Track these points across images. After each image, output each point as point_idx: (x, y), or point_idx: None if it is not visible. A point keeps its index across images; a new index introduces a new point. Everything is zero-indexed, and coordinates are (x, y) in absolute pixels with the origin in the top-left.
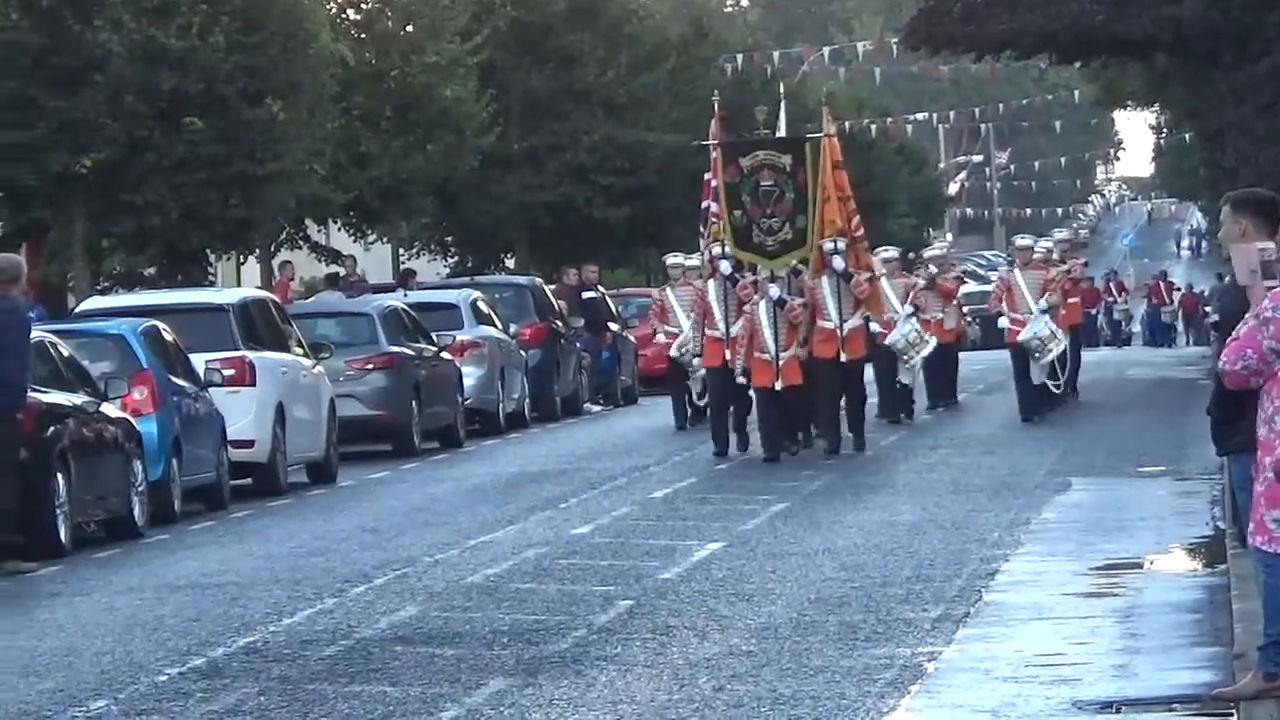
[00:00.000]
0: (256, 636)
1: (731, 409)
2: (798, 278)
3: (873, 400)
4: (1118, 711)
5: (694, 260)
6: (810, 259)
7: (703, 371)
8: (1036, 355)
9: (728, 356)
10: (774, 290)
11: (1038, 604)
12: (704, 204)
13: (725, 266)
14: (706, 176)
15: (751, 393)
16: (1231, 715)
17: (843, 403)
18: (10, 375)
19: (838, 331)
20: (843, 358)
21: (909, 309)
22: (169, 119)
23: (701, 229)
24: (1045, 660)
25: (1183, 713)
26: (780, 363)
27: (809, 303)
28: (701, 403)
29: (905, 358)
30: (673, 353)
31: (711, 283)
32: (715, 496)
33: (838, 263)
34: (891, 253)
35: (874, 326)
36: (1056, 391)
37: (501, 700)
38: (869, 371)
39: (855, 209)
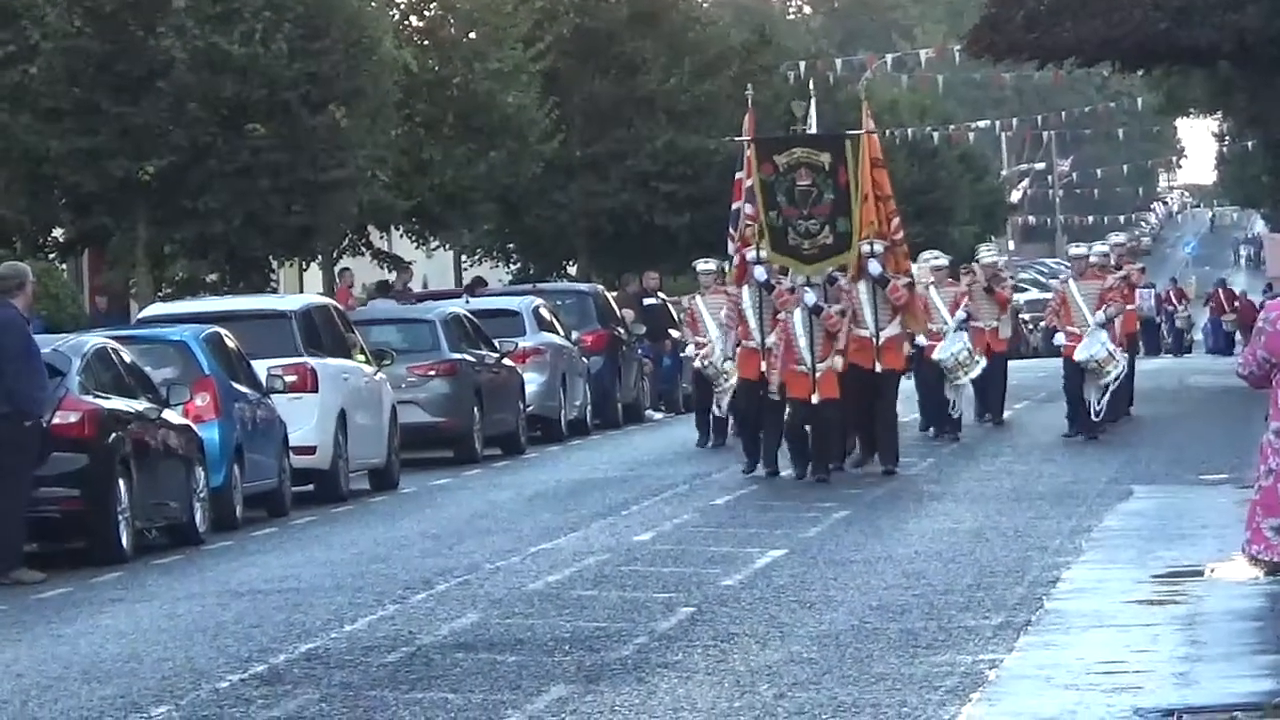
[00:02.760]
0: (318, 643)
1: (762, 429)
2: (834, 285)
3: (915, 415)
4: (1179, 719)
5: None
6: (849, 263)
7: (733, 382)
8: (1094, 377)
9: (764, 368)
10: (810, 297)
11: (1099, 611)
12: (734, 206)
13: (760, 272)
14: (738, 176)
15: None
16: None
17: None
18: (11, 382)
19: (873, 340)
20: (877, 368)
21: (960, 316)
22: (231, 125)
23: (731, 231)
24: (1106, 668)
25: None
26: (816, 375)
27: (847, 310)
28: (722, 413)
29: (953, 377)
30: (697, 364)
31: (746, 290)
32: (777, 503)
33: (873, 266)
34: (941, 260)
35: (920, 340)
36: (1096, 419)
37: (563, 707)
38: (910, 383)
39: (895, 210)
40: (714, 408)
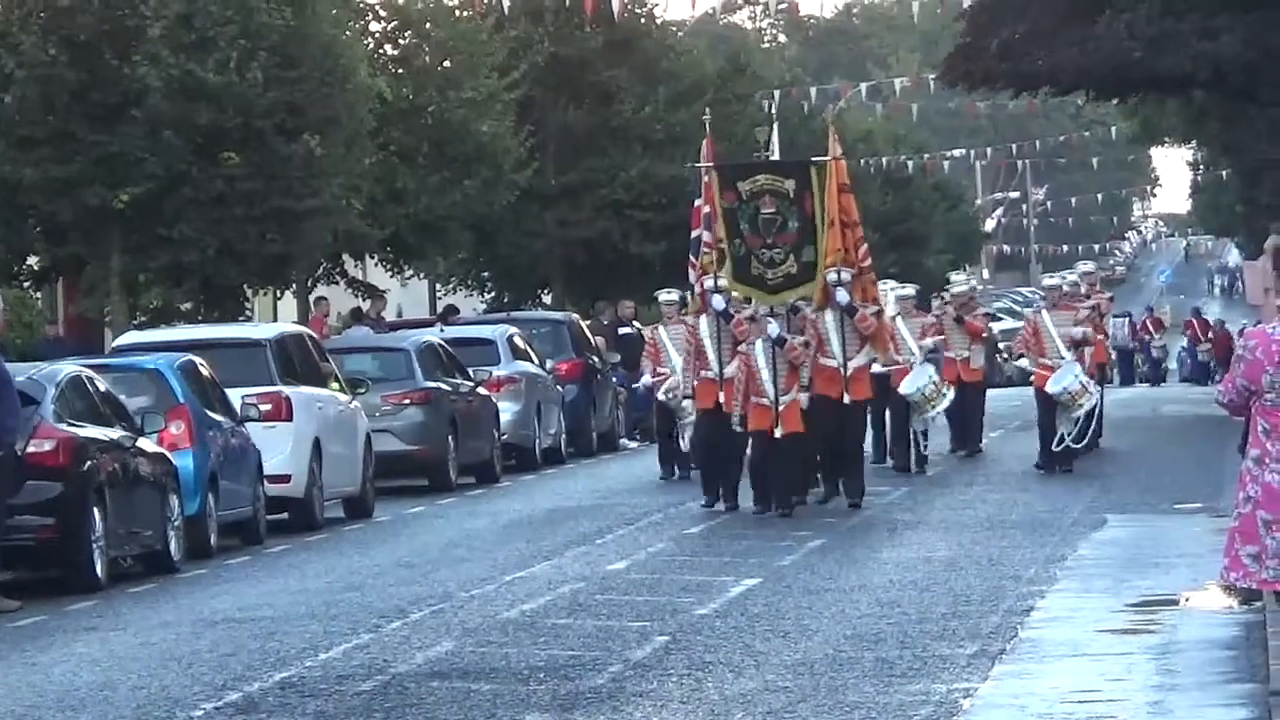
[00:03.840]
0: (292, 671)
1: (720, 459)
2: (797, 315)
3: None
4: None
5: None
6: (814, 292)
7: (692, 417)
8: (1067, 409)
9: (721, 399)
10: (773, 328)
11: (1073, 640)
12: (694, 233)
13: (718, 301)
14: (696, 203)
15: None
16: None
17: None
18: None
19: (840, 370)
20: (845, 399)
21: (928, 345)
22: (206, 154)
23: (691, 259)
24: (1081, 697)
25: None
26: (780, 408)
27: (811, 341)
28: (685, 446)
29: (919, 411)
30: (660, 396)
31: (704, 319)
32: (751, 532)
33: (841, 295)
34: (907, 290)
35: (877, 367)
36: (1075, 447)
37: None
38: (876, 416)
39: (862, 237)
40: (678, 440)
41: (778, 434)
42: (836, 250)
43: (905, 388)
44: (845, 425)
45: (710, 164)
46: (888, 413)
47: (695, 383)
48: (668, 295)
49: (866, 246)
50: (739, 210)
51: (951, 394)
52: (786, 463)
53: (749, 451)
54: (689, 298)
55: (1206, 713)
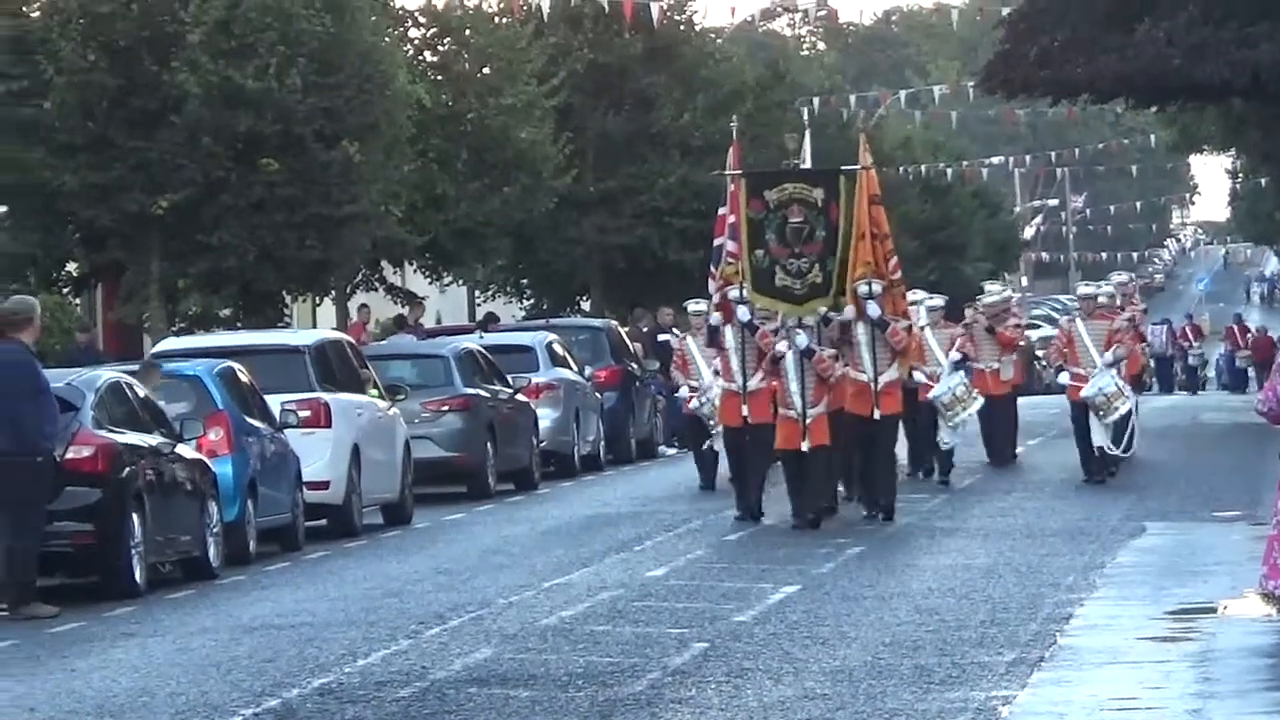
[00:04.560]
0: (331, 678)
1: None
2: (829, 326)
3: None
4: None
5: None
6: (846, 303)
7: (720, 427)
8: (1100, 413)
9: (745, 413)
10: (801, 339)
11: (1112, 648)
12: (716, 241)
13: (743, 312)
14: (721, 211)
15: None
16: None
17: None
18: (19, 419)
19: (872, 385)
20: (876, 414)
21: (955, 356)
22: (245, 160)
23: (712, 269)
24: (1120, 704)
25: None
26: (808, 421)
27: (843, 351)
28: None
29: (950, 414)
30: (692, 405)
31: (729, 330)
32: (790, 539)
33: (873, 308)
34: (937, 301)
35: (918, 376)
36: (1118, 454)
37: None
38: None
39: (892, 249)
40: (706, 447)
41: (804, 447)
42: (866, 262)
43: (934, 391)
44: (876, 440)
45: (737, 171)
46: (914, 424)
47: (720, 395)
48: (696, 305)
49: (896, 259)
50: (766, 220)
51: (980, 400)
52: (814, 476)
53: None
54: (709, 306)
55: None
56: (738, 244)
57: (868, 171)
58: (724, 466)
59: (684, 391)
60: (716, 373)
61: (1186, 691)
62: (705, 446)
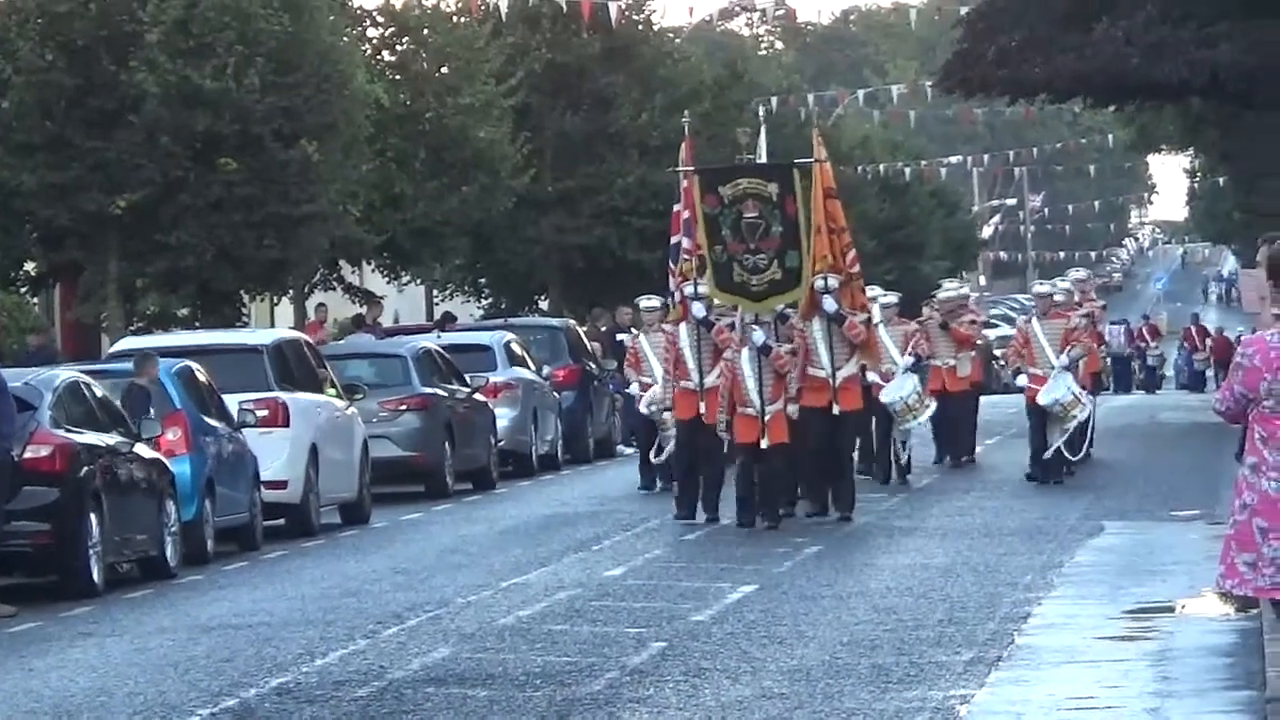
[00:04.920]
0: (289, 677)
1: (702, 473)
2: (785, 323)
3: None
4: None
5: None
6: (800, 300)
7: (673, 430)
8: (1059, 421)
9: (702, 410)
10: (758, 336)
11: (1070, 647)
12: (672, 239)
13: (698, 309)
14: (676, 208)
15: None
16: None
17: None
18: None
19: (830, 380)
20: (835, 410)
21: (909, 359)
22: (203, 160)
23: (671, 265)
24: (1078, 704)
25: None
26: (766, 418)
27: (798, 350)
28: (660, 459)
29: (900, 421)
30: (642, 407)
31: (684, 327)
32: (748, 539)
33: (829, 303)
34: (890, 298)
35: (871, 376)
36: (1072, 459)
37: None
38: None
39: (850, 243)
40: (652, 452)
41: (764, 445)
42: (823, 257)
43: (886, 396)
44: (834, 436)
45: (690, 168)
46: (872, 422)
47: (674, 393)
48: (648, 302)
49: (855, 253)
50: (721, 216)
51: (933, 406)
52: (773, 475)
53: (736, 465)
54: (671, 305)
55: (1203, 719)
56: (693, 240)
57: (822, 165)
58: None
59: (635, 389)
60: (667, 374)
61: (1145, 690)
62: (652, 450)
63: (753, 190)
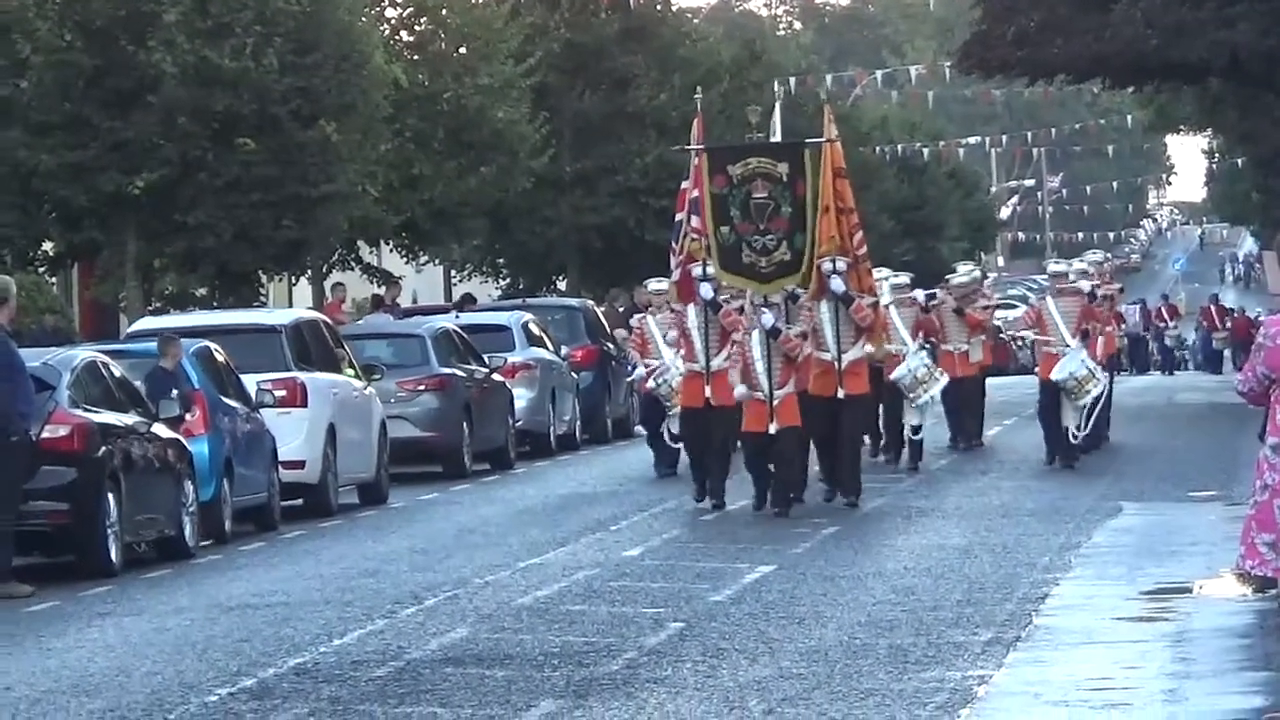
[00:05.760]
0: (307, 657)
1: (709, 459)
2: (795, 304)
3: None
4: None
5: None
6: (808, 280)
7: (678, 409)
8: (1072, 396)
9: (708, 393)
10: (767, 318)
11: (1088, 628)
12: (677, 217)
13: (706, 290)
14: (684, 186)
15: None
16: None
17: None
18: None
19: (835, 364)
20: (840, 394)
21: (919, 343)
22: (222, 140)
23: (673, 244)
24: (1095, 684)
25: None
26: (775, 402)
27: (808, 332)
28: (676, 445)
29: (912, 395)
30: (650, 384)
31: (691, 309)
32: (765, 520)
33: (836, 284)
34: (902, 279)
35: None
36: (1076, 440)
37: None
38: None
39: (858, 224)
40: (664, 431)
41: (772, 429)
42: (831, 238)
43: (896, 372)
44: (842, 421)
45: (700, 146)
46: (880, 406)
47: (681, 375)
48: (657, 284)
49: (862, 234)
50: (729, 196)
51: (945, 379)
52: (782, 460)
53: (745, 450)
54: (670, 284)
55: (1221, 700)
56: (701, 220)
57: (832, 144)
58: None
59: (639, 371)
60: (678, 352)
61: (1162, 671)
62: (661, 429)
63: (762, 170)
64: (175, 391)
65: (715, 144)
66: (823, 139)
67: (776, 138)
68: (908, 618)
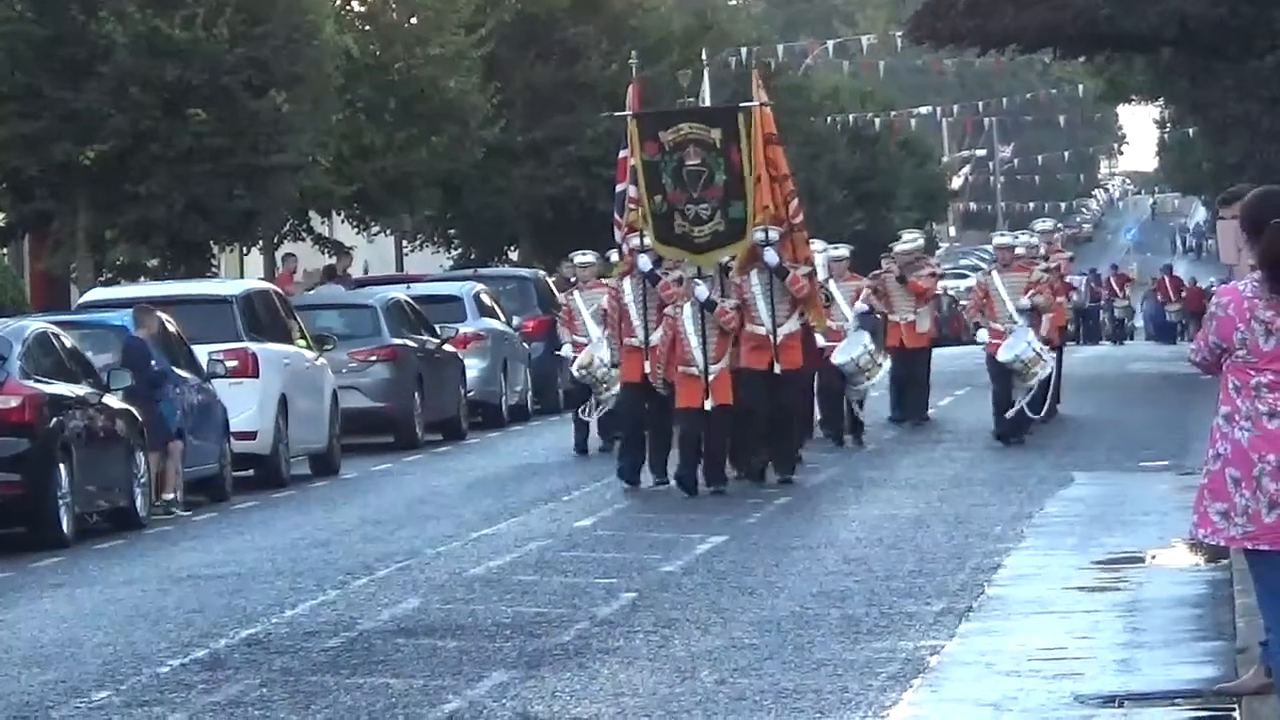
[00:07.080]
0: (258, 628)
1: (649, 436)
2: (729, 276)
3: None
4: (1120, 706)
5: (611, 256)
6: (740, 252)
7: (616, 389)
8: (1020, 378)
9: (647, 369)
10: (701, 291)
11: (1040, 598)
12: (619, 187)
13: (644, 261)
14: (622, 155)
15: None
16: (1234, 710)
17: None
18: None
19: (770, 338)
20: (776, 369)
21: (860, 308)
22: (173, 110)
23: (617, 217)
24: (1047, 654)
25: (1185, 707)
26: (710, 378)
27: (742, 305)
28: (589, 417)
29: (854, 382)
30: (575, 371)
31: (628, 282)
32: (704, 495)
33: (770, 255)
34: (841, 251)
35: (820, 340)
36: (1035, 418)
37: (504, 692)
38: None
39: (793, 191)
40: (582, 412)
41: (708, 406)
42: (765, 207)
43: (838, 357)
44: (777, 397)
45: (631, 112)
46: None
47: (620, 350)
48: (583, 257)
49: (798, 202)
50: (661, 163)
51: (888, 364)
52: (717, 437)
53: (678, 428)
54: (618, 257)
55: (1173, 670)
56: (638, 189)
57: (763, 109)
58: (594, 433)
59: (568, 350)
60: (605, 331)
61: (1114, 641)
62: (582, 410)
63: (695, 136)
64: (154, 362)
65: (647, 110)
66: (754, 103)
67: (706, 102)
68: (860, 588)
